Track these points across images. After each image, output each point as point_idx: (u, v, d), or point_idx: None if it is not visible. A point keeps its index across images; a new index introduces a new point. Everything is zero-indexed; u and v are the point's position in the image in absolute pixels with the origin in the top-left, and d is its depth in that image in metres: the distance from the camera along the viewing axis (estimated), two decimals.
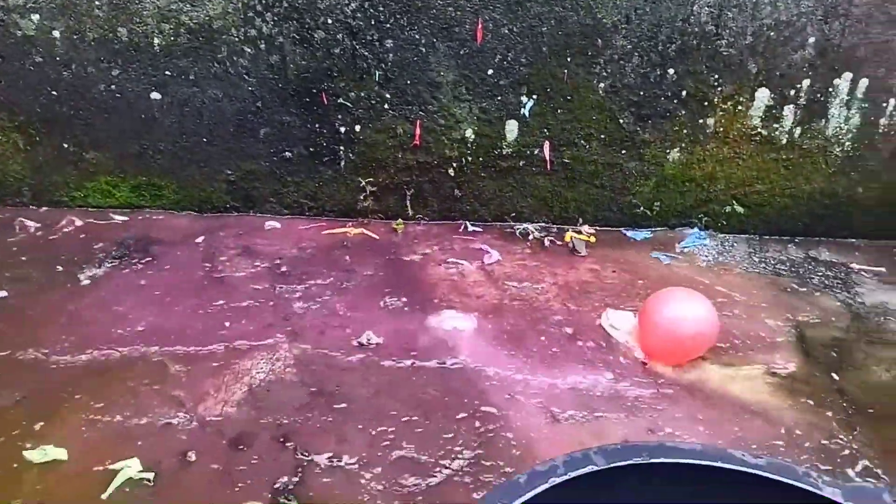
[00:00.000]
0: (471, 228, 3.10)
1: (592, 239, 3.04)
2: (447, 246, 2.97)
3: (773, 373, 2.28)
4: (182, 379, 2.15)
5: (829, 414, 2.10)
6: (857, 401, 2.18)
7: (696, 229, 3.12)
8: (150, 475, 1.79)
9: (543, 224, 3.13)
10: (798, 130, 2.92)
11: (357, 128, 2.88)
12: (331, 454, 1.88)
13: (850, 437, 2.01)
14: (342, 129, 2.89)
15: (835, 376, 2.28)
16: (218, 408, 2.04)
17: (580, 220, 3.13)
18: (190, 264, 2.78)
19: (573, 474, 1.28)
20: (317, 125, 2.89)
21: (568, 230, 3.09)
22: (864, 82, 2.83)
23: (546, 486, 1.26)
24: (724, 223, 3.12)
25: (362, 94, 2.81)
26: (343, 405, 2.05)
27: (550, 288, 2.70)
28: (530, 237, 3.06)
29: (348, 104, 2.83)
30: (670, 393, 2.17)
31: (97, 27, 2.80)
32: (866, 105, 2.89)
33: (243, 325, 2.41)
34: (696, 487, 1.37)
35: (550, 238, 3.06)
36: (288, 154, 2.95)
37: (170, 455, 1.87)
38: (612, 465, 1.31)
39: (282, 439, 1.94)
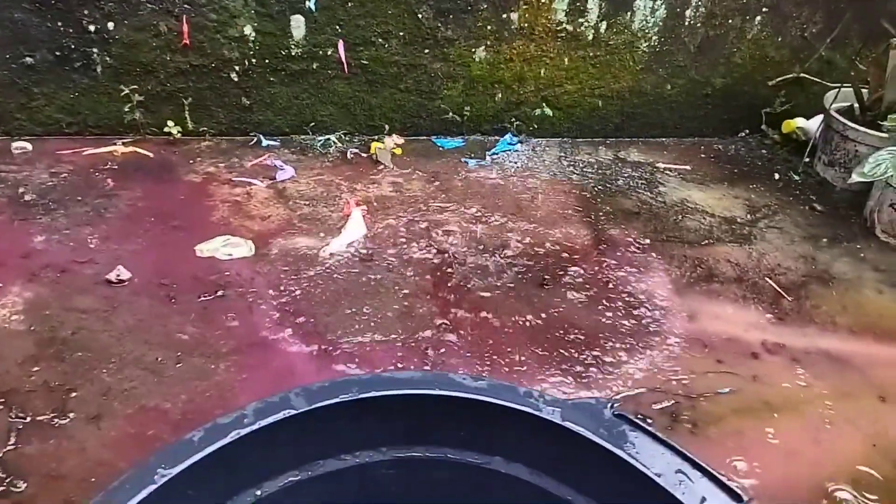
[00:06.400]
0: (265, 143, 2.78)
1: (399, 150, 2.83)
2: (236, 163, 2.65)
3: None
4: None
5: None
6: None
7: (508, 135, 2.99)
8: None
9: (347, 134, 2.87)
10: (604, 25, 2.79)
11: (110, 25, 2.43)
12: (54, 412, 1.62)
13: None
14: (92, 28, 2.42)
15: None
16: None
17: (388, 129, 2.89)
18: None
19: (266, 422, 1.12)
20: (59, 23, 2.40)
21: (375, 140, 2.86)
22: None
23: (228, 440, 1.08)
24: (536, 126, 3.01)
25: None
26: (78, 354, 1.77)
27: (347, 206, 2.48)
28: (332, 150, 2.80)
29: None
30: None
31: None
32: None
33: None
34: (421, 417, 1.25)
35: (355, 150, 2.81)
36: (29, 59, 2.45)
37: None
38: (315, 407, 1.16)
39: None
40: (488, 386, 1.19)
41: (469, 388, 1.19)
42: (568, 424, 1.14)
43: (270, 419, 1.09)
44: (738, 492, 1.07)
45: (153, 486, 0.99)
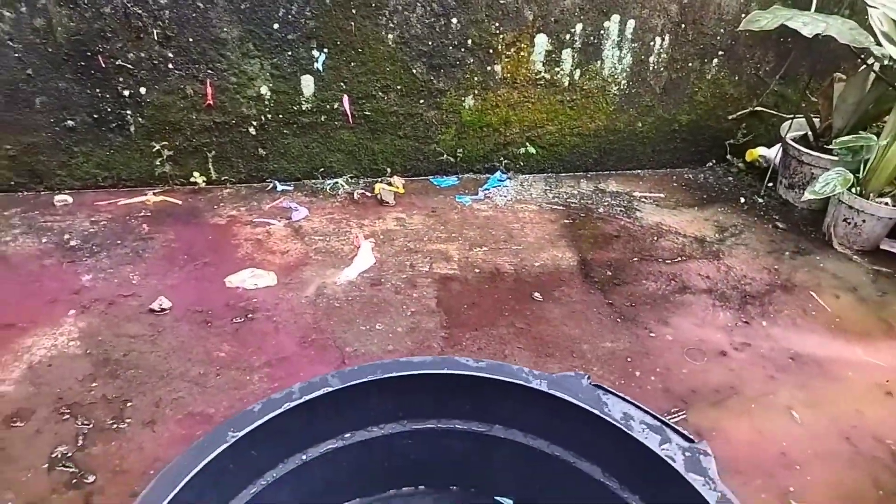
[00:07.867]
0: (280, 188, 3.10)
1: (401, 189, 3.14)
2: (255, 207, 2.95)
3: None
4: None
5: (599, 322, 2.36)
6: (624, 312, 2.45)
7: (498, 172, 3.31)
8: None
9: (354, 177, 3.19)
10: (578, 73, 3.15)
11: (142, 90, 2.76)
12: (113, 420, 1.86)
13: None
14: (126, 93, 2.76)
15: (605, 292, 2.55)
16: None
17: (389, 172, 3.22)
18: None
19: (309, 397, 1.38)
20: (98, 90, 2.74)
21: (379, 182, 3.17)
22: (631, 23, 3.10)
23: (280, 410, 1.34)
24: (523, 164, 3.33)
25: (142, 55, 2.70)
26: (130, 371, 2.02)
27: (356, 239, 2.78)
28: (340, 192, 3.11)
29: (129, 66, 2.70)
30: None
31: None
32: (636, 45, 3.16)
33: (26, 304, 2.28)
34: (433, 395, 1.51)
35: (361, 191, 3.12)
36: (70, 123, 2.78)
37: None
38: (348, 385, 1.42)
39: (63, 411, 1.89)
40: (487, 365, 1.46)
41: (471, 367, 1.45)
42: (553, 392, 1.41)
43: (313, 394, 1.36)
44: (690, 436, 1.33)
45: (225, 445, 1.25)
